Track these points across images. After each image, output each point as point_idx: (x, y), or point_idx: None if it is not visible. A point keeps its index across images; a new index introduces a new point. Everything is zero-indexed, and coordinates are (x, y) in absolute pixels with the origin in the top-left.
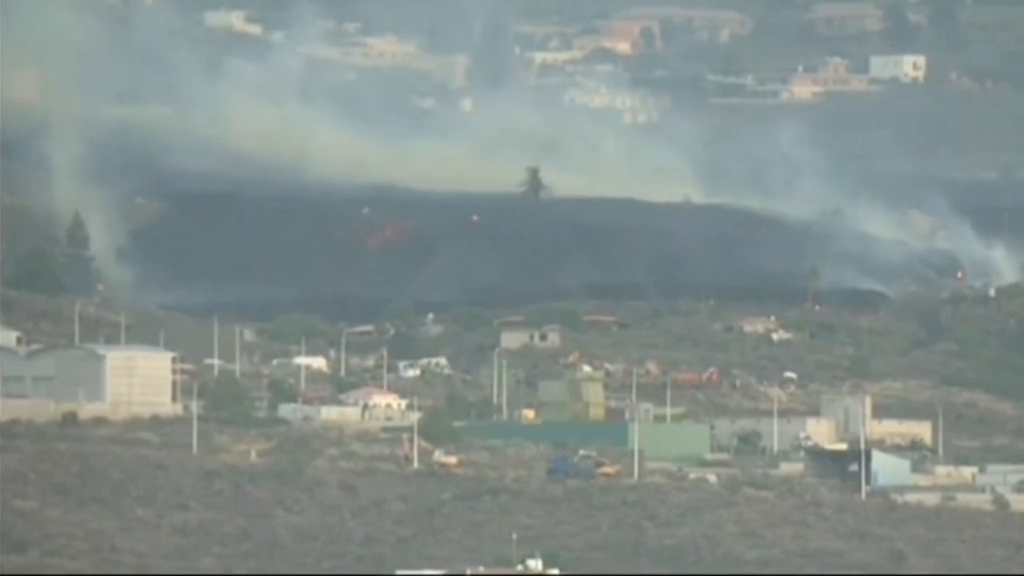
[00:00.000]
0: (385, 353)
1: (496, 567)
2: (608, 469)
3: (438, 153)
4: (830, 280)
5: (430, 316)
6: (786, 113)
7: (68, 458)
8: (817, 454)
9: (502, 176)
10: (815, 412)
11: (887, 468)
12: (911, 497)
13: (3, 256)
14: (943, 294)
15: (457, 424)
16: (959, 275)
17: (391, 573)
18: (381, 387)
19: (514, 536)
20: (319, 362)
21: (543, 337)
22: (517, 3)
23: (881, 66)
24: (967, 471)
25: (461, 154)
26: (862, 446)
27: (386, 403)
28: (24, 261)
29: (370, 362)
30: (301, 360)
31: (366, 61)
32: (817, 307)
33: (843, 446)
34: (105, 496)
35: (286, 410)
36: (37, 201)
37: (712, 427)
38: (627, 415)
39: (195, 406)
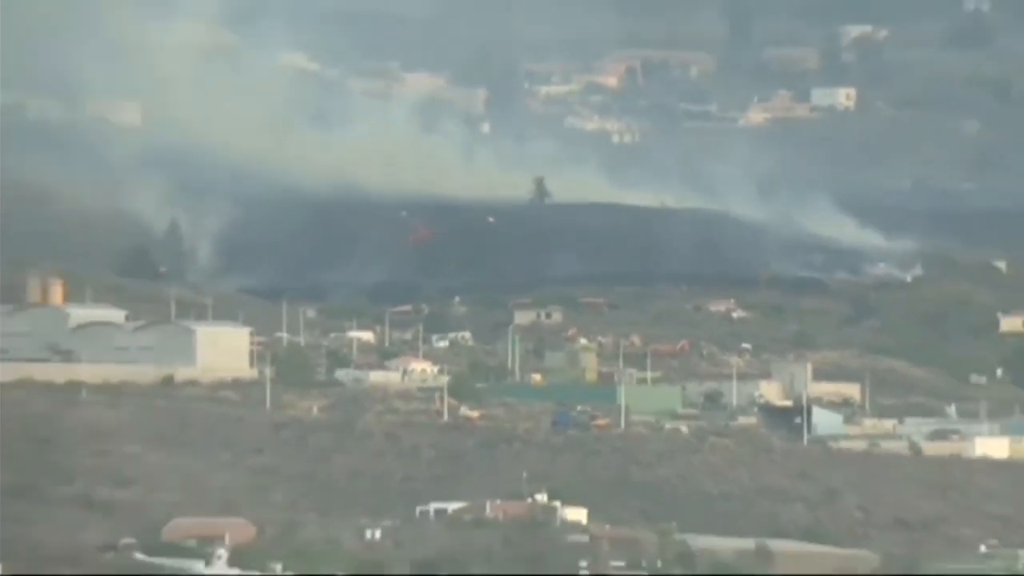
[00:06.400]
0: (420, 328)
1: (510, 500)
2: (600, 421)
3: (462, 167)
4: (779, 270)
5: (457, 299)
6: (743, 135)
7: (166, 413)
8: (768, 409)
9: (514, 185)
10: (767, 376)
11: (824, 420)
12: (844, 444)
13: (115, 252)
14: (869, 281)
15: (479, 385)
16: (881, 266)
17: (426, 506)
18: (417, 355)
19: (524, 475)
20: (368, 335)
21: (548, 316)
22: (527, 45)
23: (820, 96)
24: (888, 423)
25: (481, 168)
26: (804, 403)
27: (421, 368)
28: (131, 255)
29: (408, 335)
30: (353, 334)
31: (404, 92)
32: (768, 292)
33: (789, 403)
34: (195, 443)
35: (341, 374)
36: (143, 207)
37: (683, 388)
38: (615, 378)
39: (268, 371)
